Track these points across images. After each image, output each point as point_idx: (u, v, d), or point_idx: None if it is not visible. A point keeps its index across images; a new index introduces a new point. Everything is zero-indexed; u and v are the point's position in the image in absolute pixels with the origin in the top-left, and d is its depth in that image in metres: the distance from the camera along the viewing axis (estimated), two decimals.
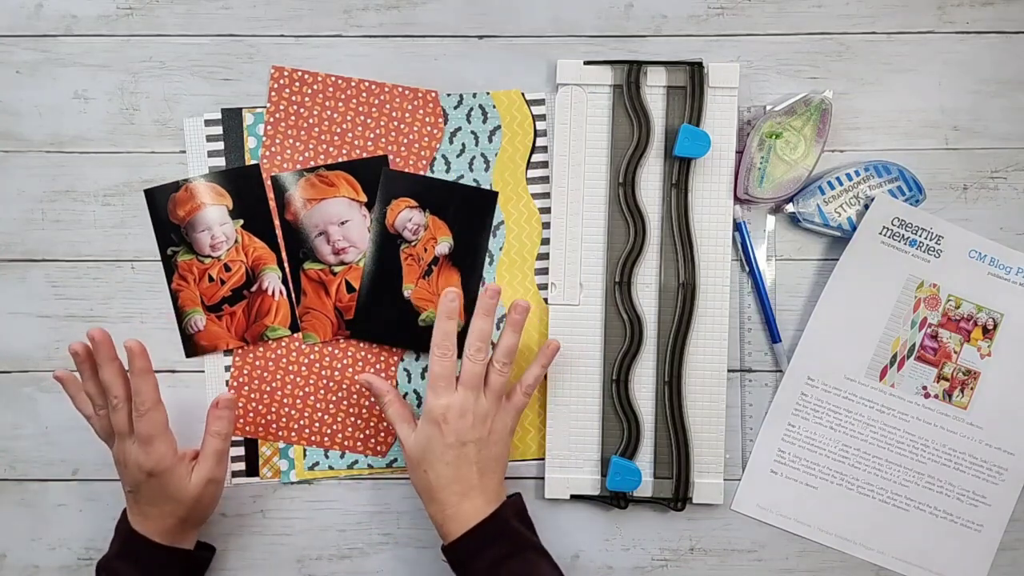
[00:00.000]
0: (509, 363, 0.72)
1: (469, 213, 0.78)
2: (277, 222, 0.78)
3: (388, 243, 0.78)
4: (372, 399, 0.78)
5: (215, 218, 0.78)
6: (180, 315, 0.78)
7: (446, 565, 0.71)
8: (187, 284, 0.78)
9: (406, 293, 0.78)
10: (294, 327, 0.78)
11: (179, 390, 0.78)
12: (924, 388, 0.78)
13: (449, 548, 0.70)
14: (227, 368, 0.79)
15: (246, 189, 0.78)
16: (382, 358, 0.79)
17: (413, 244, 0.78)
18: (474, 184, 0.79)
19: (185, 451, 0.73)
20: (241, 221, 0.78)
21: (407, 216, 0.78)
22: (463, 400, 0.70)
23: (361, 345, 0.79)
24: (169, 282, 0.79)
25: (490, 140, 0.79)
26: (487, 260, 0.79)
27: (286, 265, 0.78)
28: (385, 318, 0.78)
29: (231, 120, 0.78)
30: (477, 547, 0.69)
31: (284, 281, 0.79)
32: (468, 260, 0.79)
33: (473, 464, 0.70)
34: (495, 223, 0.79)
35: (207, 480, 0.72)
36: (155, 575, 0.71)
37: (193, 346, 0.78)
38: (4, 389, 0.79)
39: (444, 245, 0.78)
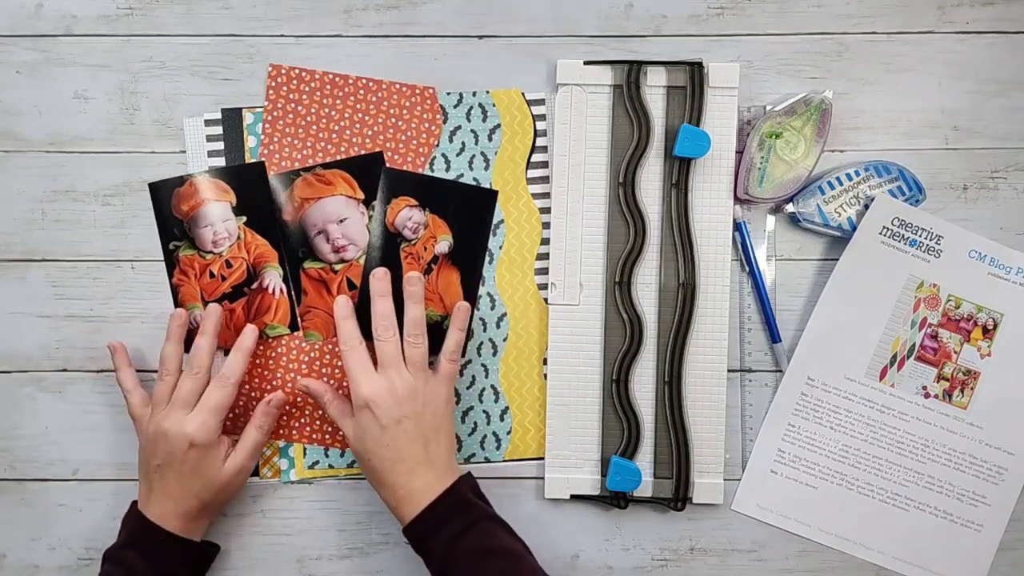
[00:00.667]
0: (420, 334, 0.73)
1: (469, 212, 0.78)
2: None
3: (388, 242, 0.78)
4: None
5: (218, 214, 0.78)
6: None
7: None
8: (188, 279, 0.78)
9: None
10: (293, 326, 0.78)
11: None
12: (924, 388, 0.78)
13: (408, 529, 0.70)
14: None
15: (250, 186, 0.78)
16: None
17: (413, 243, 0.78)
18: (474, 183, 0.79)
19: (224, 436, 0.74)
20: (244, 218, 0.78)
21: (407, 215, 0.78)
22: (386, 380, 0.71)
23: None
24: (170, 276, 0.79)
25: (490, 139, 0.79)
26: (487, 259, 0.79)
27: (287, 265, 0.78)
28: None
29: (231, 120, 0.79)
30: (435, 523, 0.69)
31: (285, 280, 0.79)
32: (468, 259, 0.79)
33: (414, 440, 0.70)
34: (495, 222, 0.79)
35: (239, 468, 0.74)
36: (162, 563, 0.71)
37: (193, 341, 0.78)
38: (4, 389, 0.79)
39: (444, 244, 0.78)
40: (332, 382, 0.78)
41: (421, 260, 0.78)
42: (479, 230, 0.79)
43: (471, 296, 0.78)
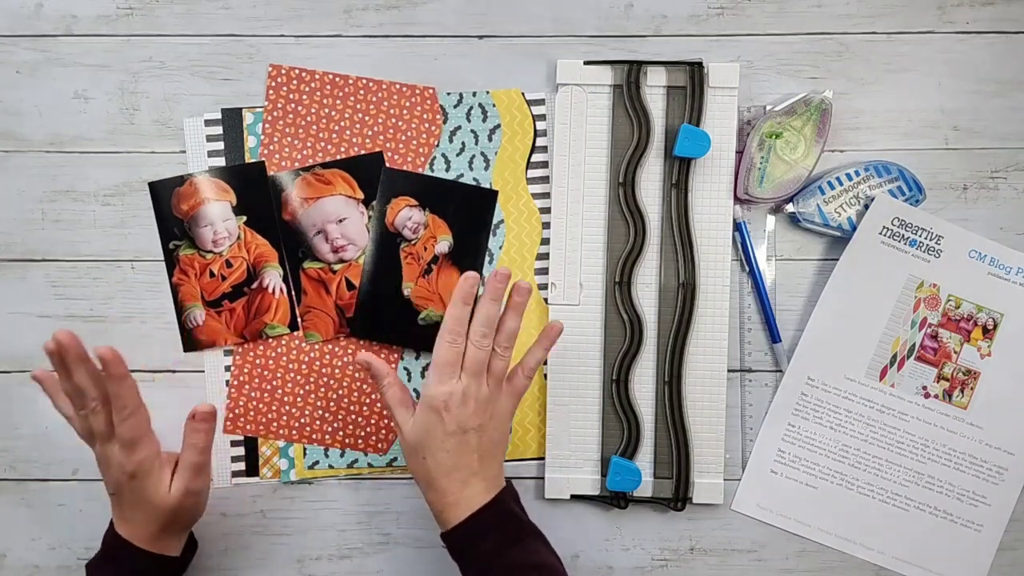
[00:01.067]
0: (510, 347, 0.69)
1: (469, 212, 0.78)
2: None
3: (388, 242, 0.78)
4: (372, 392, 0.78)
5: (218, 214, 0.78)
6: (180, 309, 0.79)
7: (445, 560, 0.70)
8: (188, 279, 0.78)
9: (405, 292, 0.78)
10: (293, 326, 0.78)
11: (179, 390, 0.78)
12: (924, 388, 0.78)
13: (449, 534, 0.68)
14: (227, 368, 0.79)
15: (250, 186, 0.78)
16: (382, 356, 0.79)
17: (413, 243, 0.78)
18: (474, 183, 0.79)
19: (171, 455, 0.71)
20: (244, 218, 0.78)
21: (407, 215, 0.78)
22: (466, 387, 0.68)
23: (361, 343, 0.79)
24: (170, 276, 0.79)
25: (490, 139, 0.79)
26: (487, 259, 0.79)
27: (287, 265, 0.78)
28: (384, 316, 0.78)
29: (231, 120, 0.79)
30: (478, 533, 0.67)
31: (285, 279, 0.79)
32: (468, 259, 0.79)
33: (474, 451, 0.68)
34: (495, 222, 0.79)
35: (184, 491, 0.70)
36: None
37: (192, 341, 0.79)
38: (4, 389, 0.79)
39: (444, 244, 0.78)
40: (332, 382, 0.78)
41: (421, 260, 0.78)
42: (479, 230, 0.79)
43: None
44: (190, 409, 0.70)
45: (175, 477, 0.70)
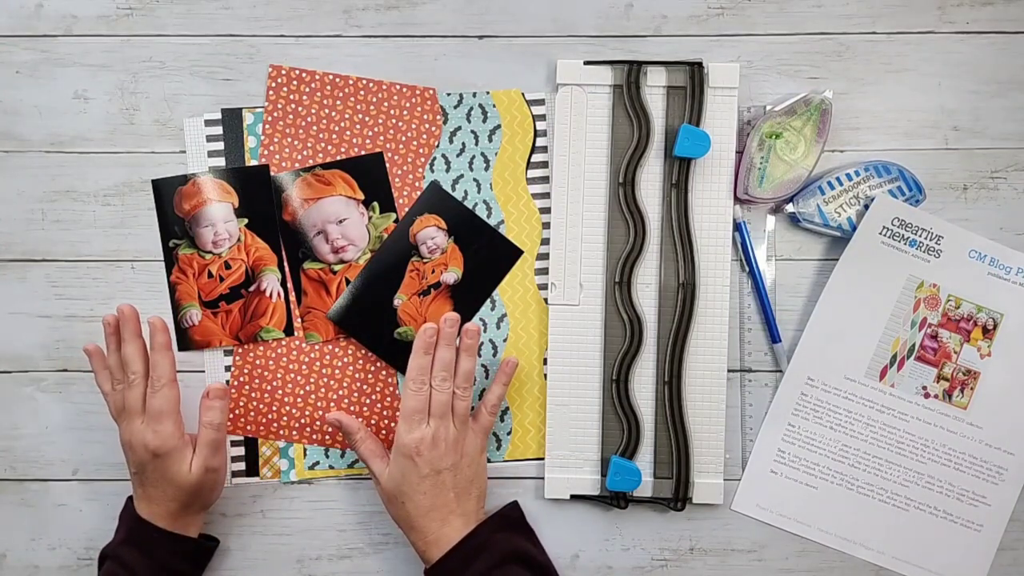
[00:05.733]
0: (470, 387, 0.73)
1: (490, 257, 0.78)
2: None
3: (402, 250, 0.78)
4: (372, 393, 0.78)
5: (220, 215, 0.78)
6: (176, 308, 0.79)
7: None
8: (186, 278, 0.78)
9: (396, 302, 0.78)
10: (288, 330, 0.78)
11: (179, 390, 0.78)
12: (924, 388, 0.78)
13: (430, 571, 0.72)
14: (227, 368, 0.79)
15: (253, 189, 0.78)
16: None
17: (424, 261, 0.78)
18: (474, 184, 0.79)
19: (192, 436, 0.74)
20: (245, 220, 0.78)
21: (430, 233, 0.78)
22: (435, 431, 0.72)
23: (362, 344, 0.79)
24: (168, 274, 0.79)
25: (490, 140, 0.79)
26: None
27: (286, 266, 0.79)
28: (366, 316, 0.78)
29: (231, 120, 0.79)
30: (457, 565, 0.71)
31: (283, 284, 0.79)
32: (468, 299, 0.79)
33: (450, 490, 0.72)
34: (495, 222, 0.79)
35: (204, 468, 0.72)
36: (161, 561, 0.72)
37: (187, 340, 0.79)
38: (4, 389, 0.79)
39: (452, 275, 0.78)
40: (332, 383, 0.78)
41: (424, 280, 0.78)
42: (490, 279, 0.79)
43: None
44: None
45: (195, 455, 0.73)
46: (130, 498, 0.75)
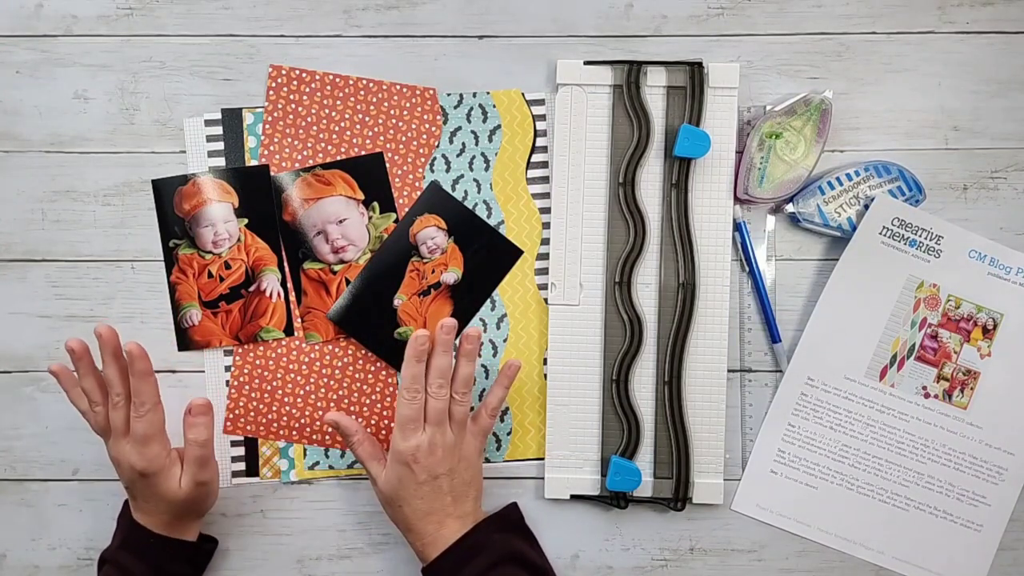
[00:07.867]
0: (468, 392, 0.73)
1: (489, 258, 0.78)
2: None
3: (402, 250, 0.78)
4: (372, 393, 0.78)
5: (220, 215, 0.78)
6: (176, 308, 0.79)
7: None
8: (186, 278, 0.78)
9: (396, 302, 0.78)
10: (288, 330, 0.78)
11: (179, 390, 0.78)
12: (924, 388, 0.78)
13: (427, 570, 0.72)
14: (227, 368, 0.79)
15: (253, 189, 0.78)
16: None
17: (424, 261, 0.78)
18: (475, 184, 0.79)
19: (180, 451, 0.73)
20: (246, 220, 0.78)
21: (430, 234, 0.78)
22: (431, 437, 0.71)
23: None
24: (168, 274, 0.79)
25: (490, 140, 0.79)
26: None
27: (286, 266, 0.79)
28: (366, 316, 0.78)
29: (231, 120, 0.79)
30: (454, 565, 0.71)
31: (283, 284, 0.79)
32: (468, 298, 0.79)
33: (447, 494, 0.72)
34: (495, 222, 0.79)
35: (194, 483, 0.72)
36: (159, 565, 0.72)
37: (186, 340, 0.79)
38: (4, 389, 0.79)
39: (452, 275, 0.78)
40: (332, 382, 0.78)
41: (424, 280, 0.78)
42: (489, 280, 0.79)
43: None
44: (180, 408, 0.73)
45: (183, 472, 0.72)
46: (127, 501, 0.75)
